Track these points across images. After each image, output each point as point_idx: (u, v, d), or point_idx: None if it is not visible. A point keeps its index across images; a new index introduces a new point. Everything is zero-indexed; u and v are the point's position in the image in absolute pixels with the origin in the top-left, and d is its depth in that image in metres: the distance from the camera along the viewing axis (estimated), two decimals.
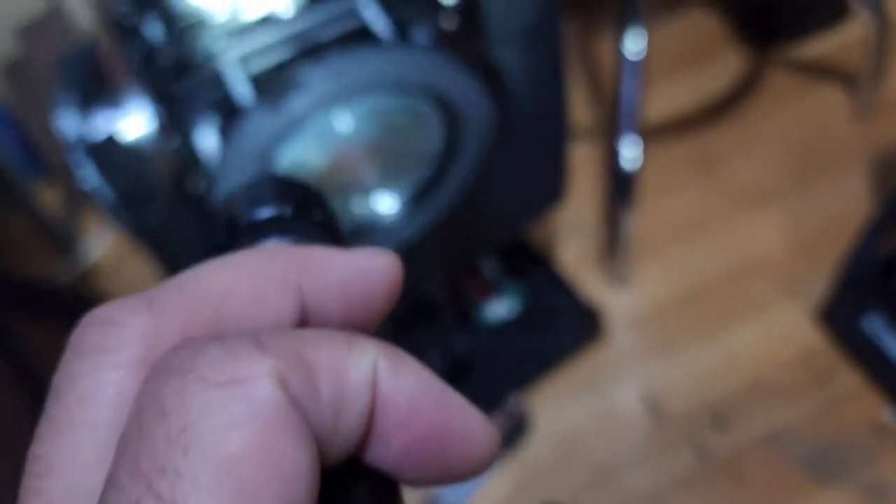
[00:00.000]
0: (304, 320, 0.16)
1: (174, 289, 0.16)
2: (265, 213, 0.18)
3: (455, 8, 0.60)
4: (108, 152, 0.58)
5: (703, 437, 0.82)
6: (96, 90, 0.61)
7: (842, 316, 0.85)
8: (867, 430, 0.80)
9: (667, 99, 1.12)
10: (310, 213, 0.19)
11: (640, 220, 0.93)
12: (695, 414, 0.83)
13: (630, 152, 0.86)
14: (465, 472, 0.16)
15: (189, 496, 0.12)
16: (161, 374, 0.13)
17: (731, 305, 0.90)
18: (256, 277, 0.16)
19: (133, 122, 0.59)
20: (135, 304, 0.15)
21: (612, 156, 0.86)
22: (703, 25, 1.20)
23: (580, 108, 1.11)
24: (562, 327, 0.88)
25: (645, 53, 0.83)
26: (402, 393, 0.15)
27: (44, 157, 1.05)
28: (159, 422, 0.13)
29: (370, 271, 0.17)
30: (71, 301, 0.98)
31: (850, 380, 0.83)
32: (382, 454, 0.15)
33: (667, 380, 0.86)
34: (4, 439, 0.89)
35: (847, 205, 0.97)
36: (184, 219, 0.65)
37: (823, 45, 1.13)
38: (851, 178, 0.99)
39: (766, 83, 1.11)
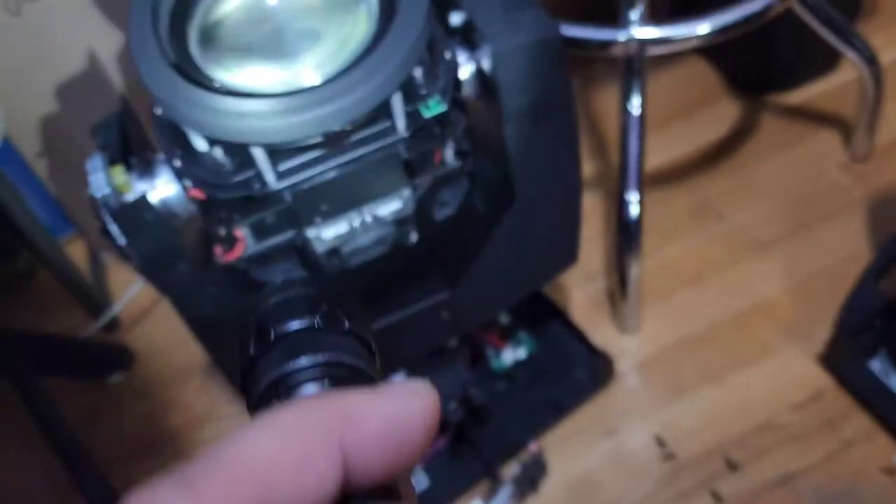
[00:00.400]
0: (346, 475, 0.16)
1: (215, 464, 0.16)
2: (295, 325, 0.19)
3: (470, 84, 0.64)
4: (136, 212, 0.60)
5: (717, 479, 0.83)
6: (128, 151, 0.64)
7: (847, 359, 0.86)
8: (879, 473, 0.81)
9: (664, 148, 1.15)
10: (338, 323, 0.19)
11: (645, 267, 0.96)
12: (707, 456, 0.85)
13: (635, 202, 0.89)
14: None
15: None
16: None
17: (738, 349, 0.92)
18: (299, 442, 0.16)
19: (163, 184, 0.61)
20: (176, 490, 0.15)
21: (619, 205, 0.89)
22: (697, 74, 1.24)
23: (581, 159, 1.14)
24: (574, 373, 0.89)
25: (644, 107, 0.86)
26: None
27: (70, 213, 1.08)
28: None
29: (409, 415, 0.17)
30: (96, 353, 0.99)
31: (860, 423, 0.85)
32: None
33: (678, 422, 0.87)
34: (32, 490, 0.90)
35: (846, 248, 0.99)
36: (209, 278, 0.67)
37: (817, 89, 1.17)
38: (849, 222, 1.02)
39: (762, 129, 1.15)
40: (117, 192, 0.59)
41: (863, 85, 1.01)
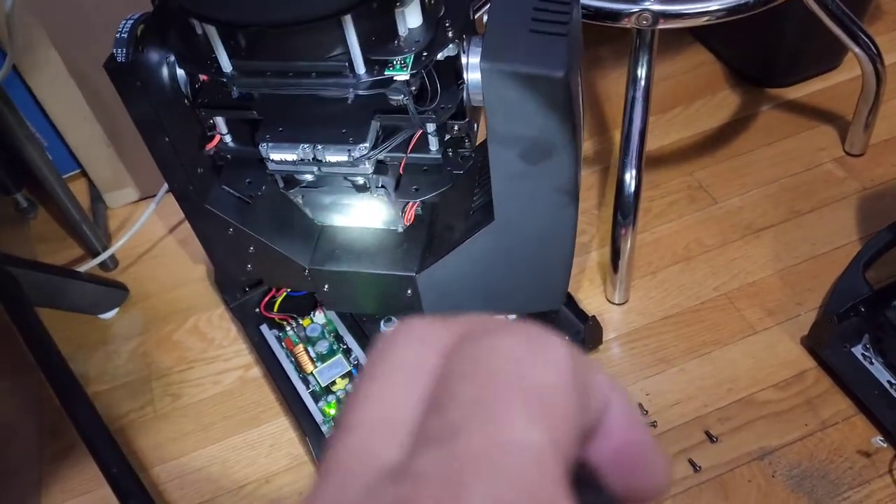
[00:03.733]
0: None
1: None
2: None
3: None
4: (129, 73, 0.66)
5: (695, 449, 0.85)
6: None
7: (831, 344, 0.88)
8: (856, 455, 0.83)
9: (663, 132, 1.17)
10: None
11: (637, 244, 0.97)
12: (687, 426, 0.86)
13: (634, 178, 0.90)
14: (645, 490, 0.18)
15: (512, 410, 0.14)
16: (472, 337, 0.16)
17: (724, 327, 0.94)
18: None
19: (155, 54, 0.69)
20: (440, 322, 0.17)
21: (618, 178, 0.90)
22: (700, 63, 1.26)
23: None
24: (561, 334, 0.91)
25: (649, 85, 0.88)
26: (626, 409, 0.18)
27: (74, 150, 1.08)
28: (484, 366, 0.15)
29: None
30: (91, 287, 1.00)
31: (840, 405, 0.86)
32: (601, 447, 0.17)
33: (661, 392, 0.89)
34: (17, 420, 0.91)
35: (835, 238, 1.01)
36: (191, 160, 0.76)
37: (817, 85, 1.19)
38: (840, 213, 1.04)
39: (760, 120, 1.17)
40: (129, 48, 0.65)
41: (865, 81, 1.03)
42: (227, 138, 0.75)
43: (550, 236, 0.72)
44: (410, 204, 0.78)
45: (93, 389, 0.95)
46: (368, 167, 0.71)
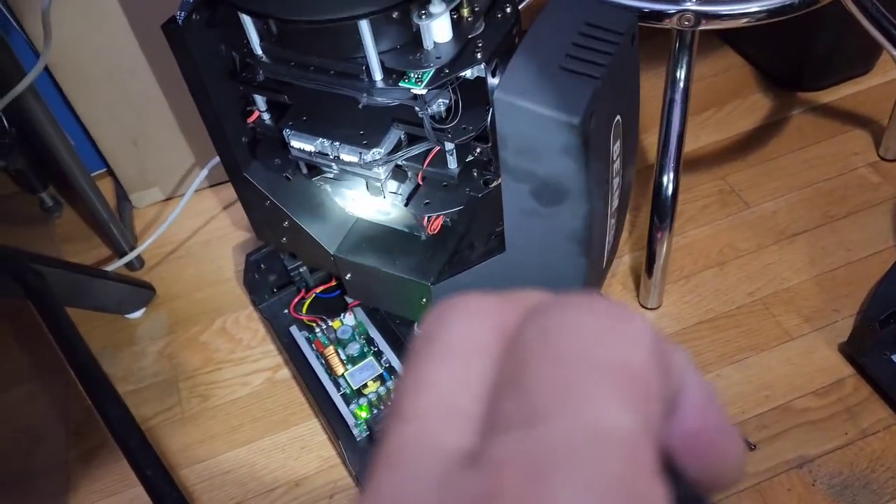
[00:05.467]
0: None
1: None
2: None
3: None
4: (179, 34, 0.68)
5: None
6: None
7: (869, 350, 0.87)
8: None
9: (695, 135, 1.16)
10: None
11: (673, 246, 0.96)
12: None
13: (672, 181, 0.89)
14: (720, 477, 0.17)
15: (598, 392, 0.13)
16: (542, 310, 0.15)
17: (760, 333, 0.93)
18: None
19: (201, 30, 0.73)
20: (495, 296, 0.16)
21: (655, 182, 0.89)
22: (732, 66, 1.25)
23: None
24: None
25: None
26: (703, 390, 0.16)
27: (103, 150, 1.07)
28: (561, 344, 0.14)
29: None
30: (119, 287, 0.99)
31: (880, 413, 0.85)
32: (676, 429, 0.16)
33: None
34: (44, 422, 0.90)
35: (871, 244, 1.00)
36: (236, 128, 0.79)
37: (849, 89, 1.18)
38: (875, 218, 1.02)
39: (792, 123, 1.16)
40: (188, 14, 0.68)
41: None
42: (265, 116, 0.77)
43: (558, 281, 0.70)
44: (436, 215, 0.78)
45: (120, 390, 0.93)
46: (381, 173, 0.73)
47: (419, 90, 0.63)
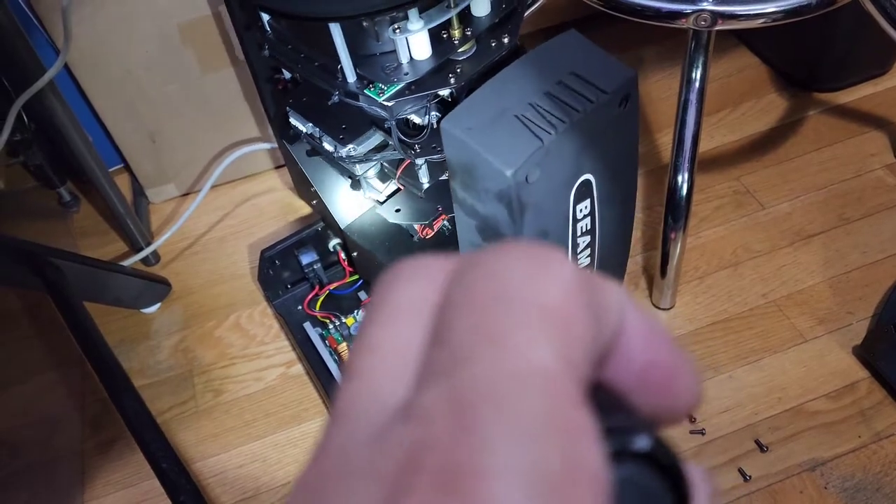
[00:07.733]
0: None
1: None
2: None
3: None
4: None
5: (745, 458, 0.83)
6: None
7: (884, 355, 0.86)
8: None
9: (710, 135, 1.15)
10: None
11: (687, 246, 0.96)
12: (737, 435, 0.85)
13: (686, 181, 0.89)
14: (675, 410, 0.17)
15: (517, 332, 0.13)
16: (471, 262, 0.15)
17: (773, 334, 0.93)
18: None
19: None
20: (439, 258, 0.16)
21: (669, 182, 0.89)
22: (747, 67, 1.25)
23: None
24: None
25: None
26: (646, 324, 0.16)
27: (121, 146, 1.08)
28: (481, 291, 0.14)
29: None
30: (135, 281, 1.00)
31: (894, 416, 0.84)
32: (623, 369, 0.16)
33: (710, 399, 0.88)
34: (60, 413, 0.91)
35: (887, 246, 0.99)
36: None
37: (865, 91, 1.17)
38: (892, 221, 1.02)
39: (808, 124, 1.15)
40: None
41: None
42: (291, 86, 0.82)
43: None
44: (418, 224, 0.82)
45: (135, 383, 0.94)
46: (358, 169, 0.76)
47: (380, 101, 0.64)
